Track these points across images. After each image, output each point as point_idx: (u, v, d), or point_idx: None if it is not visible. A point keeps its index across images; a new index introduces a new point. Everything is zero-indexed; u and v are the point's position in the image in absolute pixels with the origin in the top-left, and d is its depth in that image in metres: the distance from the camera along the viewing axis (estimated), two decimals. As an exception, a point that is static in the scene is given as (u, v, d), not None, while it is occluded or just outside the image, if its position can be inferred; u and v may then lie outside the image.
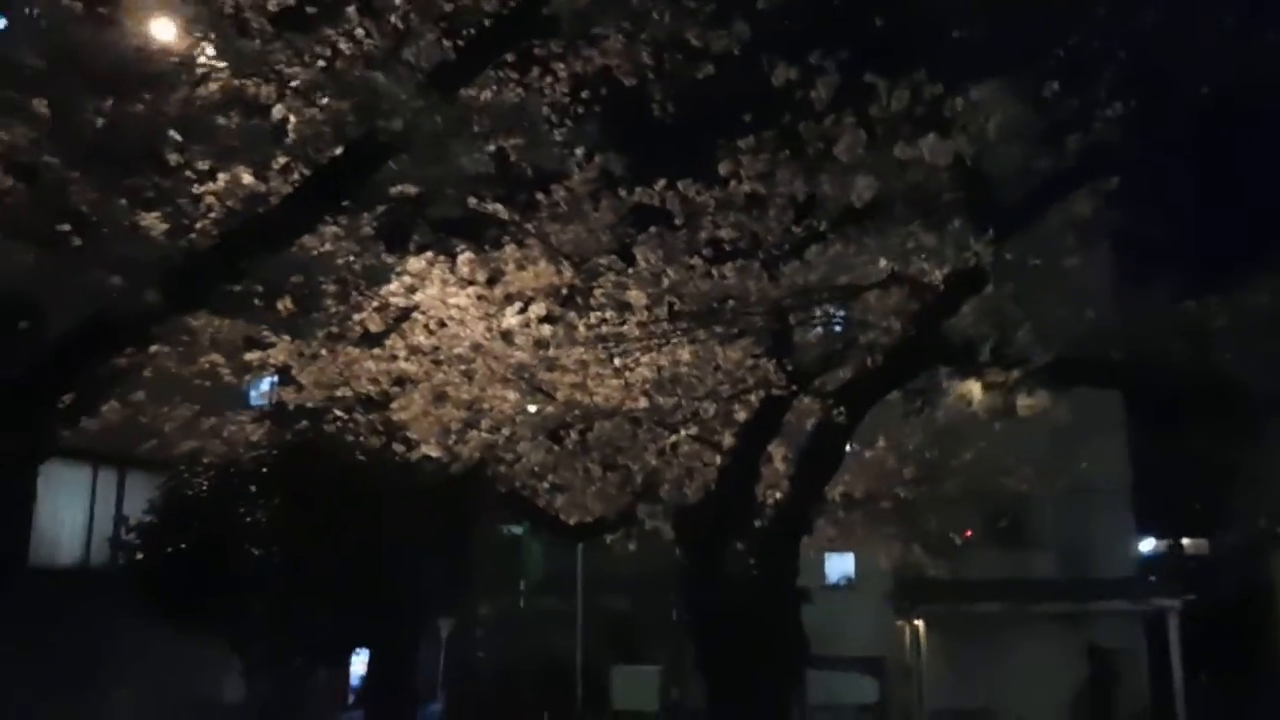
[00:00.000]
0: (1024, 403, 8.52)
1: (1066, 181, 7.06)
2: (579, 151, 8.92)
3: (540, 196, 9.30)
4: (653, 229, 9.60)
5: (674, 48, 7.75)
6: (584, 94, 8.20)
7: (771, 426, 9.43)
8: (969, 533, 24.43)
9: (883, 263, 7.40)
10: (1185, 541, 29.15)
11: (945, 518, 14.13)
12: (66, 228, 6.06)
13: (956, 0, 8.12)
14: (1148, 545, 28.03)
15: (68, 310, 6.15)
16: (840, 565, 26.28)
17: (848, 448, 10.35)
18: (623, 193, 9.35)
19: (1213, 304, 7.82)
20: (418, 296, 9.78)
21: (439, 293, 9.97)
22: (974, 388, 9.95)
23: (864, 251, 7.66)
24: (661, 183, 9.41)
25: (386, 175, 6.20)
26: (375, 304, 9.48)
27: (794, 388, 8.74)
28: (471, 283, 9.76)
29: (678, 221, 9.38)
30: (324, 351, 10.01)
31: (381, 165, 5.79)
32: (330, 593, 10.33)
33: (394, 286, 9.48)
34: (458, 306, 10.20)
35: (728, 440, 10.01)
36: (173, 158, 6.19)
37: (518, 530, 22.18)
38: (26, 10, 6.54)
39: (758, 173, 8.92)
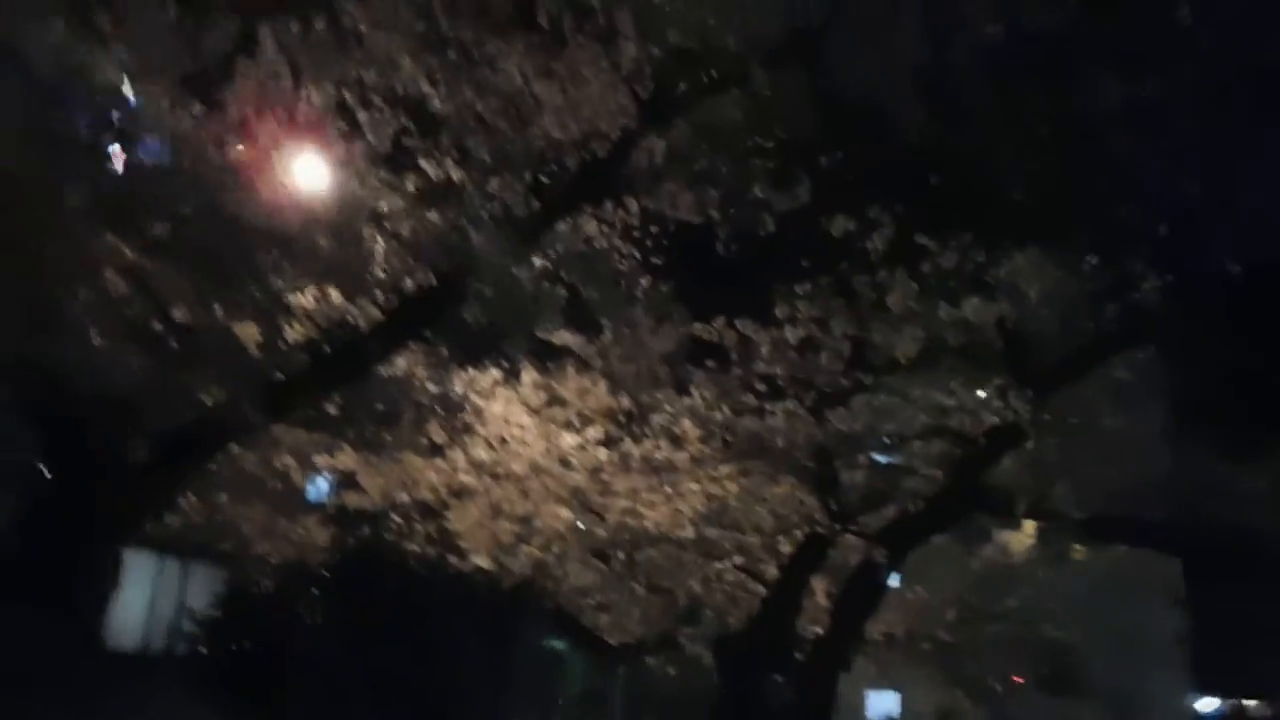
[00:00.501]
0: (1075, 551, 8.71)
1: (1105, 347, 7.39)
2: (643, 282, 9.52)
3: (604, 324, 9.85)
4: (709, 363, 10.12)
5: (739, 203, 8.37)
6: (652, 228, 8.83)
7: (814, 562, 9.67)
8: (1018, 679, 23.91)
9: (924, 416, 7.74)
10: (1249, 703, 28.07)
11: (988, 662, 14.04)
12: (170, 335, 6.69)
13: (1008, 163, 8.66)
14: (1208, 704, 27.06)
15: (169, 410, 6.71)
16: (882, 703, 25.78)
17: (893, 586, 10.51)
18: (682, 327, 9.90)
19: (1253, 465, 8.00)
20: (482, 413, 10.32)
21: (502, 411, 10.52)
22: (1019, 534, 10.13)
23: (907, 404, 8.01)
24: (720, 320, 9.94)
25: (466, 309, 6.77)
26: (442, 419, 10.02)
27: (837, 526, 9.01)
28: (534, 409, 10.29)
29: (733, 357, 9.87)
30: (389, 460, 10.52)
31: (463, 302, 6.34)
32: (379, 695, 10.61)
33: (460, 403, 10.02)
34: (519, 425, 10.72)
35: (772, 572, 10.25)
36: (271, 276, 6.84)
37: (560, 645, 22.19)
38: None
39: (812, 317, 9.43)
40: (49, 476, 6.53)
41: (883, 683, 16.48)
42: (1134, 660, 22.14)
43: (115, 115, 7.63)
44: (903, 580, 11.31)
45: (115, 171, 6.95)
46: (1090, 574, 9.38)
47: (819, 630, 10.05)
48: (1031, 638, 13.36)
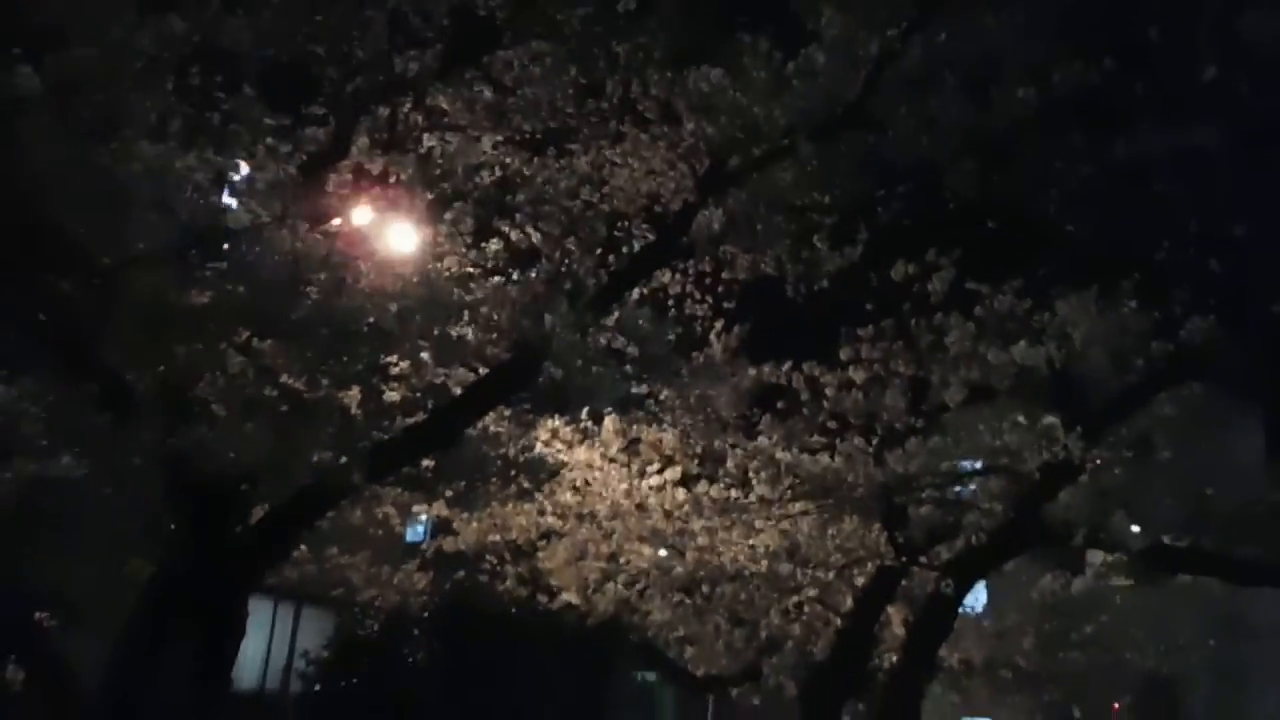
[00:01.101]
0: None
1: (1150, 387, 7.74)
2: (713, 333, 10.14)
3: (677, 374, 10.46)
4: (778, 404, 10.66)
5: (797, 259, 8.93)
6: (718, 286, 9.46)
7: (886, 594, 10.08)
8: (1116, 706, 23.61)
9: (982, 454, 8.16)
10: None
11: (1076, 691, 14.08)
12: (286, 408, 7.49)
13: (1056, 209, 9.06)
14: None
15: (287, 475, 7.50)
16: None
17: (972, 615, 10.82)
18: (751, 371, 10.47)
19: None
20: (566, 459, 10.99)
21: (585, 457, 11.20)
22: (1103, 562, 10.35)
23: (966, 441, 8.44)
24: (788, 363, 10.49)
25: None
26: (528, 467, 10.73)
27: (904, 559, 9.43)
28: (613, 458, 10.95)
29: (801, 399, 10.40)
30: (481, 507, 11.26)
31: (542, 372, 7.00)
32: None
33: (545, 450, 10.70)
34: (600, 470, 11.39)
35: (847, 604, 10.68)
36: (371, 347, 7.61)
37: (651, 678, 22.72)
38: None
39: (874, 359, 9.93)
40: (188, 537, 7.34)
41: (967, 710, 16.53)
42: (1245, 694, 21.58)
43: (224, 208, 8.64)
44: (984, 609, 11.57)
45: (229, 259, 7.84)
46: (1187, 603, 9.52)
47: (895, 659, 10.43)
48: (1123, 667, 13.39)
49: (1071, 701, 13.89)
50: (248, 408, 7.21)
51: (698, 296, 9.64)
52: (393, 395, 7.72)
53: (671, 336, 7.69)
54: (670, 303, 9.49)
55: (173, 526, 7.77)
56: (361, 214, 8.76)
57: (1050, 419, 7.60)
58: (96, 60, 5.85)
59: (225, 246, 7.86)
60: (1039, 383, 7.95)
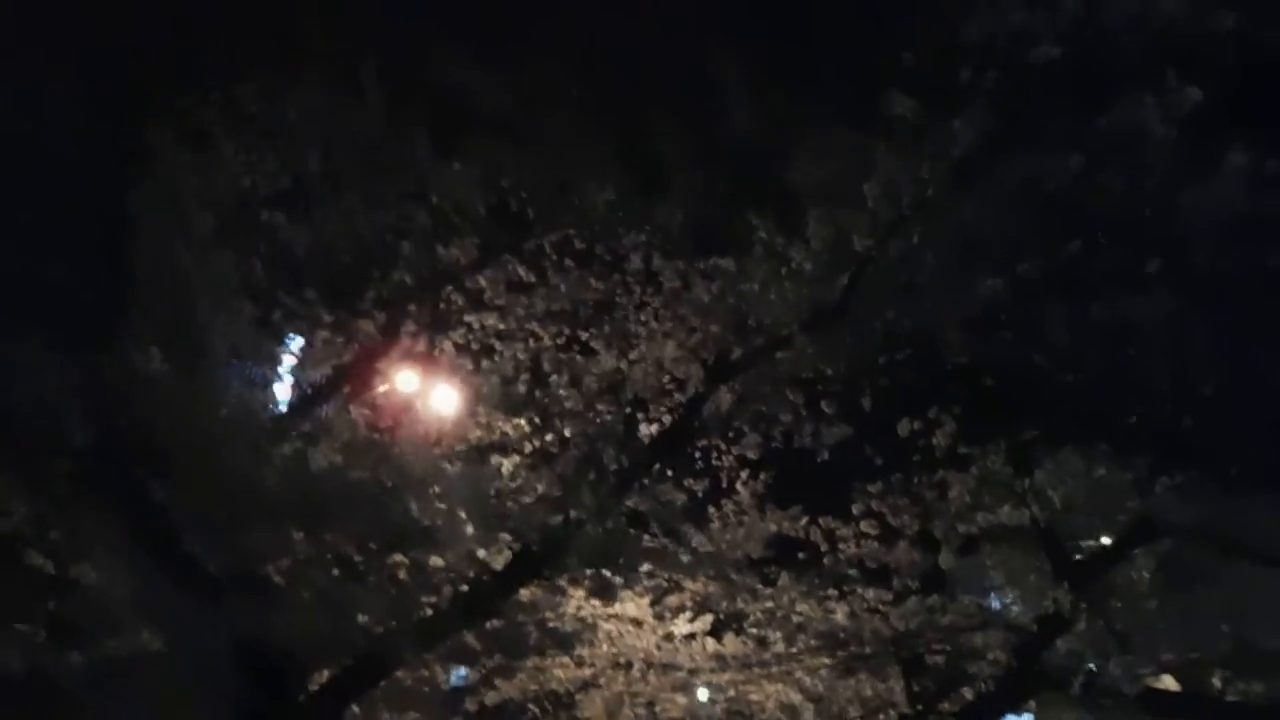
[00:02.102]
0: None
1: (1128, 543, 8.41)
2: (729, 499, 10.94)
3: (700, 535, 11.22)
4: (800, 555, 11.35)
5: (803, 430, 9.76)
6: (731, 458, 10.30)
7: (908, 740, 10.53)
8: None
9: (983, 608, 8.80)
10: None
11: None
12: (342, 584, 8.34)
13: (1041, 369, 9.86)
14: None
15: (344, 645, 8.29)
16: None
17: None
18: (771, 527, 11.21)
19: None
20: (602, 612, 11.67)
21: (619, 610, 11.88)
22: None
23: (970, 595, 9.09)
24: (805, 519, 11.22)
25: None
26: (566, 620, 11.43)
27: (920, 708, 9.94)
28: (646, 607, 11.63)
29: (820, 551, 11.09)
30: (522, 661, 11.91)
31: (571, 544, 7.84)
32: None
33: (580, 605, 11.40)
34: (634, 621, 12.05)
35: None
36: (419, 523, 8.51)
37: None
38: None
39: (883, 513, 10.64)
40: (254, 704, 8.12)
41: None
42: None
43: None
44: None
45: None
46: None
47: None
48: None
49: None
50: (311, 587, 8.09)
51: (722, 448, 10.49)
52: (439, 572, 8.58)
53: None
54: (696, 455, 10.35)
55: (237, 694, 8.56)
56: (408, 385, 9.89)
57: (1041, 571, 8.24)
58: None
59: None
60: (1029, 539, 8.63)
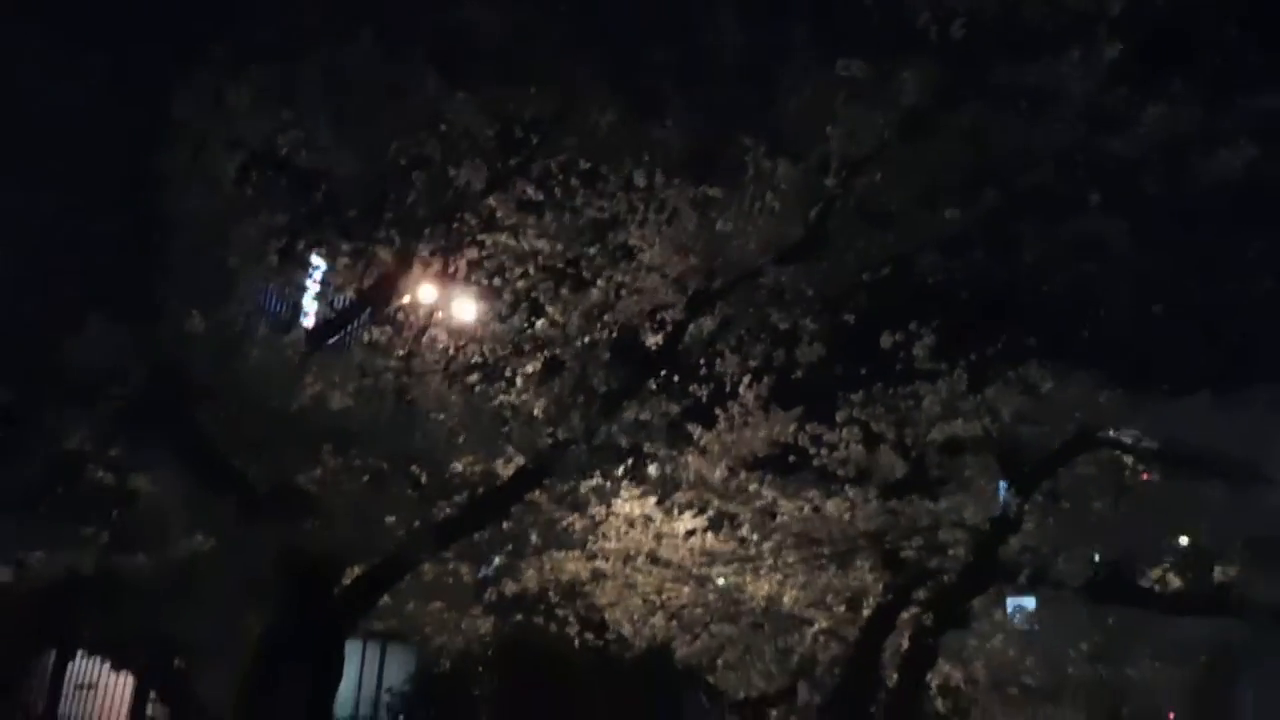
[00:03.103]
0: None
1: (1070, 453, 9.27)
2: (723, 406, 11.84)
3: (696, 438, 12.17)
4: (791, 459, 12.33)
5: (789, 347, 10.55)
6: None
7: (885, 627, 11.63)
8: (1171, 715, 24.39)
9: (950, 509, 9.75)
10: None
11: (1119, 703, 15.16)
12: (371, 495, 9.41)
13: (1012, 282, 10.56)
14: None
15: (375, 545, 9.38)
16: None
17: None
18: (762, 432, 12.15)
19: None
20: (609, 510, 12.75)
21: (624, 508, 12.96)
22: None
23: (940, 498, 10.04)
24: (794, 425, 12.12)
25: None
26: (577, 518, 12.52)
27: (890, 597, 11.00)
28: (649, 505, 12.71)
29: (809, 454, 12.04)
30: (536, 555, 13.07)
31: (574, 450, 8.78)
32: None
33: (588, 504, 12.47)
34: (641, 517, 13.15)
35: (853, 634, 12.24)
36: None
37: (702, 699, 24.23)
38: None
39: (862, 420, 11.53)
40: (294, 597, 9.25)
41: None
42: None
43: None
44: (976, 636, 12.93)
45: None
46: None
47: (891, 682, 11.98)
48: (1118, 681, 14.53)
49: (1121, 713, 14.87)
50: (340, 496, 9.13)
51: (714, 364, 11.34)
52: (458, 483, 9.58)
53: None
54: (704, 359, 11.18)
55: (281, 589, 9.72)
56: (424, 307, 10.80)
57: (985, 481, 9.15)
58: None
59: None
60: (985, 447, 9.51)
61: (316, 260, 11.13)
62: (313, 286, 11.29)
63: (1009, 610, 13.52)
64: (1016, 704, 14.24)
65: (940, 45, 7.16)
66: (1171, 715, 24.64)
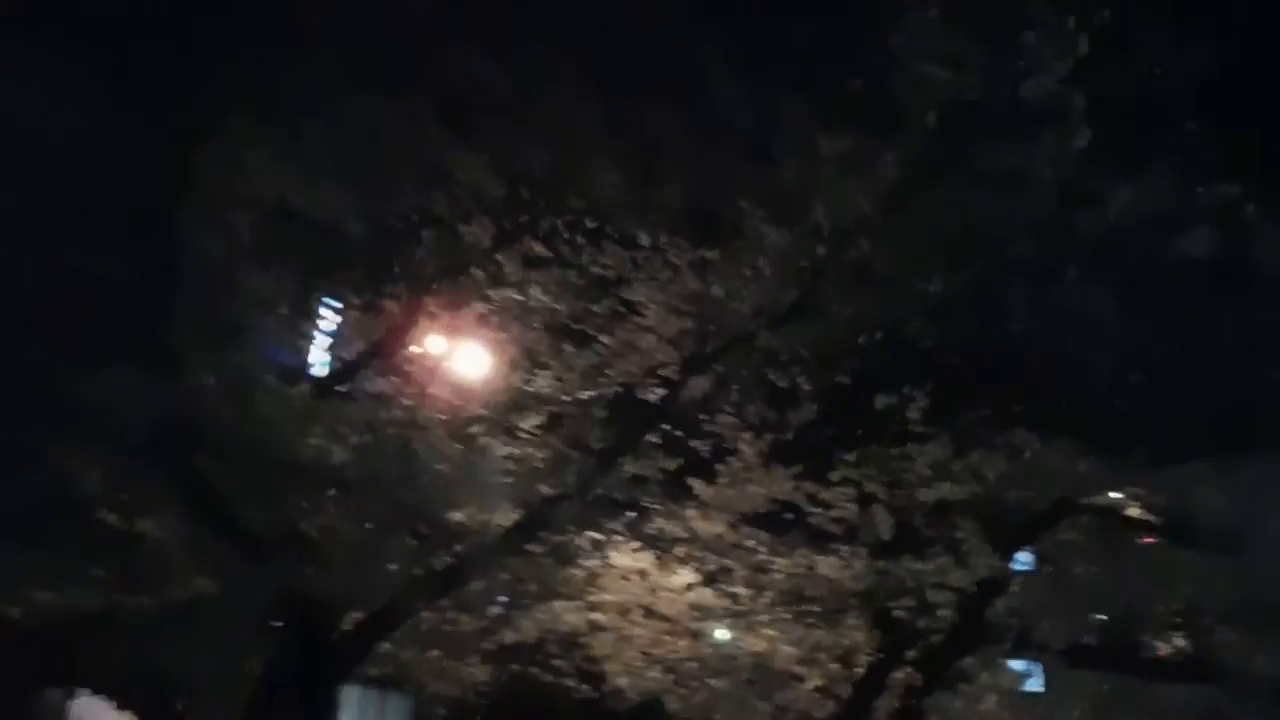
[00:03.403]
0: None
1: (1052, 519, 9.48)
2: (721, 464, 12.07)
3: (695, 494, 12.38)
4: (786, 516, 12.52)
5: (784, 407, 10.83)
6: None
7: (876, 686, 11.73)
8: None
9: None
10: None
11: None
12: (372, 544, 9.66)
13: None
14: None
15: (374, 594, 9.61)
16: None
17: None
18: (760, 489, 12.35)
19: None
20: (607, 563, 12.94)
21: (621, 561, 13.14)
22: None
23: (928, 558, 10.23)
24: (791, 484, 12.32)
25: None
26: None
27: (881, 655, 11.13)
28: (646, 559, 12.88)
29: (803, 512, 12.23)
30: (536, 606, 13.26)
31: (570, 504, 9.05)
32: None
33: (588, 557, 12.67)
34: (637, 571, 13.32)
35: (846, 691, 12.33)
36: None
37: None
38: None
39: (857, 480, 11.72)
40: (293, 641, 9.49)
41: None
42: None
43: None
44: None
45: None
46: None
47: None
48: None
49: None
50: (342, 543, 9.41)
51: (709, 422, 11.60)
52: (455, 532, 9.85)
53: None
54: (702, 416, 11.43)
55: (281, 631, 9.95)
56: (429, 360, 11.13)
57: (972, 544, 9.34)
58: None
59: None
60: (970, 511, 9.71)
61: (325, 312, 11.51)
62: (321, 338, 11.65)
63: (1014, 671, 13.58)
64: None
65: (920, 124, 7.49)
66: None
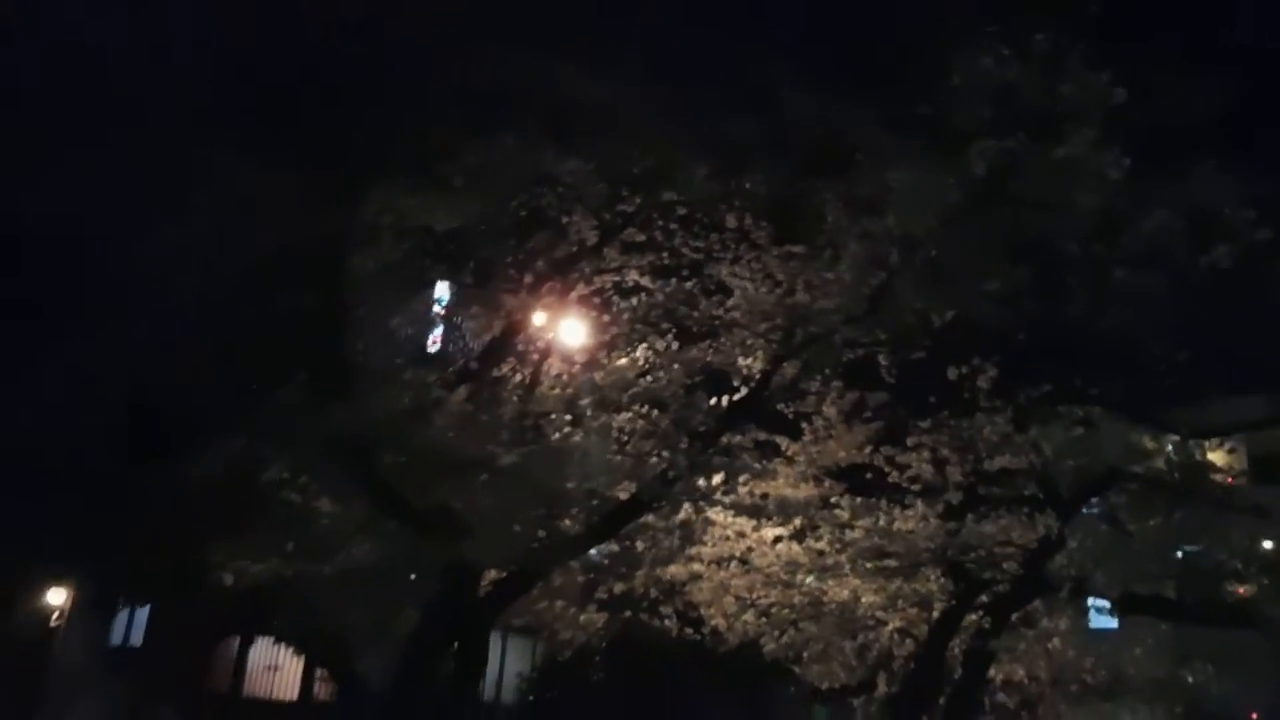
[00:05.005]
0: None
1: (1102, 484, 10.71)
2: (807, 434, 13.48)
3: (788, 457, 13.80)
4: (867, 476, 13.92)
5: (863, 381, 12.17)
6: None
7: (950, 628, 13.16)
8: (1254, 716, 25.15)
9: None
10: None
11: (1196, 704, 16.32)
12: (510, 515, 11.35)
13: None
14: None
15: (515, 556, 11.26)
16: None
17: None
18: (842, 453, 13.74)
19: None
20: (707, 520, 14.48)
21: (720, 519, 14.69)
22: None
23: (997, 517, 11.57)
24: (869, 448, 13.69)
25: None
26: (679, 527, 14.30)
27: (954, 602, 12.54)
28: (741, 516, 14.41)
29: (884, 474, 13.61)
30: (643, 558, 14.93)
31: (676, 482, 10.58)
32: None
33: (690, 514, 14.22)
34: (735, 528, 14.86)
35: (923, 633, 13.79)
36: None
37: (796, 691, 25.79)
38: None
39: (932, 445, 13.04)
40: (446, 596, 11.22)
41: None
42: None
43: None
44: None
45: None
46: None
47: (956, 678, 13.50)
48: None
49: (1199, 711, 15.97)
50: (485, 516, 11.05)
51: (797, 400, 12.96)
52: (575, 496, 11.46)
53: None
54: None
55: (435, 590, 11.72)
56: (545, 350, 12.69)
57: (1028, 508, 10.66)
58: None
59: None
60: (1031, 478, 11.02)
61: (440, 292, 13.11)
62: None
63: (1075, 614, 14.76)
64: (1082, 700, 15.52)
65: (974, 157, 8.69)
66: (1254, 716, 25.41)
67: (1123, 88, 7.80)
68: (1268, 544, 10.60)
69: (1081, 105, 7.95)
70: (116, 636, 19.28)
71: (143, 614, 18.58)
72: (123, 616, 19.07)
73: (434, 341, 13.60)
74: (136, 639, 18.93)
